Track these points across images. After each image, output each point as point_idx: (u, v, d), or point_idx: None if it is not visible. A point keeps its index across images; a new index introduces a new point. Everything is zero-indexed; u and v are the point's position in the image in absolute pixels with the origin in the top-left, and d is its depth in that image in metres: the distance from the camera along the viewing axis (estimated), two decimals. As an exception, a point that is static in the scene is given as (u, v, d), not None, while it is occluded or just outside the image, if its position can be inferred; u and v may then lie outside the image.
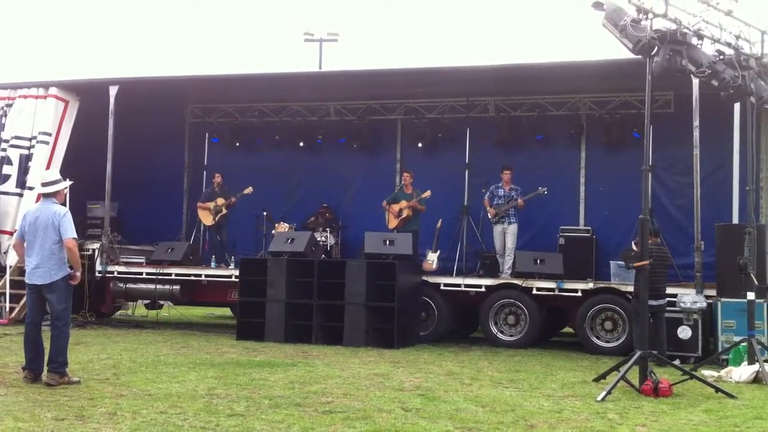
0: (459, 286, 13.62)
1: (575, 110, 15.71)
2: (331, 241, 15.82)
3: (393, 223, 14.92)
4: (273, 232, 15.35)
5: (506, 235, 14.34)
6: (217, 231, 16.31)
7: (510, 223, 14.36)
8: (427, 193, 14.71)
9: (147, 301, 16.91)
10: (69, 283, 8.50)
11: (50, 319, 8.49)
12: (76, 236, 8.56)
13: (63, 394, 7.72)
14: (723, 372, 10.01)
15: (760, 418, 7.45)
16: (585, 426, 6.89)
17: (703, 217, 12.42)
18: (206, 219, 16.28)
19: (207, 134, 18.14)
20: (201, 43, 60.42)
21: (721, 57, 9.52)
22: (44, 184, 8.70)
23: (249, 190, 15.93)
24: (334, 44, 31.81)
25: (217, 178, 16.44)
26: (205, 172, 18.10)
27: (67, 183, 8.87)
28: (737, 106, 12.39)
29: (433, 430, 6.59)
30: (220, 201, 16.14)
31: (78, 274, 8.56)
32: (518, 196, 14.36)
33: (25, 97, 16.14)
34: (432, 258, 14.50)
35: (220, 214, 16.11)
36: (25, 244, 8.56)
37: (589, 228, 15.17)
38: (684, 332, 11.75)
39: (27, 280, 8.57)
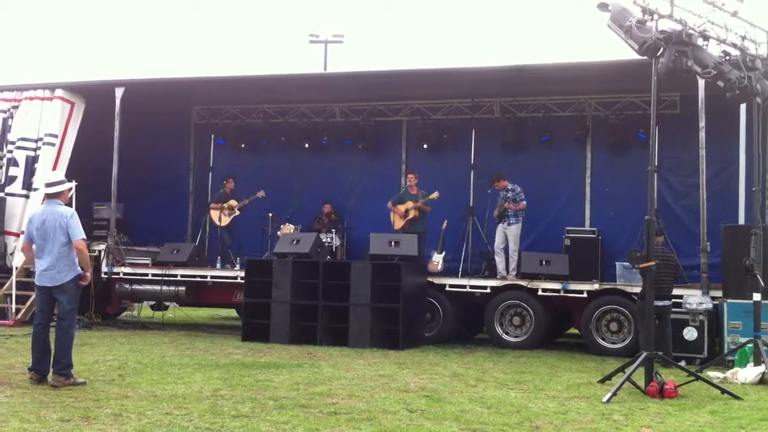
0: (464, 287, 13.61)
1: (581, 111, 15.71)
2: (336, 242, 15.84)
3: (399, 224, 14.92)
4: (278, 233, 15.38)
5: (507, 236, 14.32)
6: (228, 233, 16.33)
7: (509, 224, 14.32)
8: (435, 195, 14.69)
9: (152, 303, 16.95)
10: (79, 284, 8.52)
11: (56, 320, 8.52)
12: (85, 237, 8.58)
13: (68, 395, 7.72)
14: (729, 373, 9.97)
15: (766, 419, 7.42)
16: (590, 427, 6.87)
17: (709, 218, 12.39)
18: (222, 220, 16.27)
19: (212, 135, 18.16)
20: (206, 44, 60.57)
21: (727, 58, 9.50)
22: (48, 185, 8.72)
23: (261, 193, 15.99)
24: (339, 45, 31.90)
25: (230, 184, 16.46)
26: (210, 174, 18.16)
27: (71, 184, 8.87)
28: (743, 107, 12.39)
29: (438, 431, 6.58)
30: (233, 203, 16.18)
31: (88, 274, 8.59)
32: (514, 196, 14.33)
33: (32, 98, 16.21)
34: (437, 259, 14.50)
35: (233, 216, 16.16)
36: (33, 247, 8.57)
37: (595, 229, 15.16)
38: (690, 333, 11.72)
39: (37, 282, 8.58)
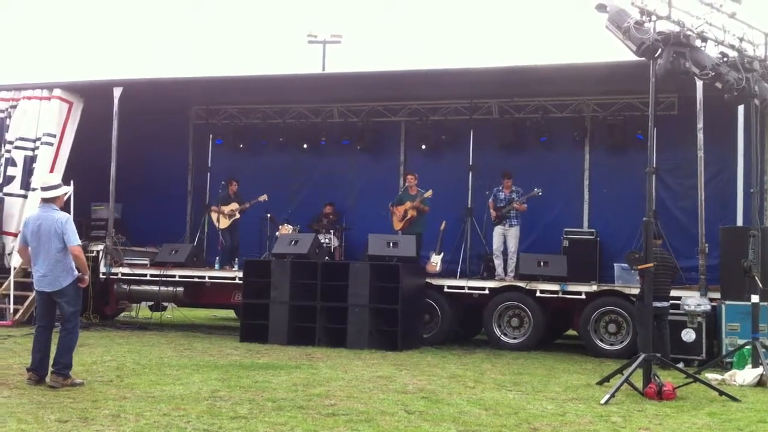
0: (462, 288, 13.62)
1: (579, 112, 15.70)
2: (334, 243, 15.82)
3: (398, 224, 14.92)
4: (277, 234, 15.37)
5: (507, 238, 14.33)
6: (230, 234, 16.31)
7: (511, 225, 14.35)
8: (429, 193, 14.70)
9: (150, 303, 16.93)
10: (78, 286, 8.51)
11: (60, 322, 8.52)
12: (80, 243, 8.56)
13: (66, 396, 7.72)
14: (727, 375, 9.98)
15: (763, 421, 7.43)
16: (588, 429, 6.88)
17: (708, 220, 12.40)
18: (220, 222, 16.27)
19: (211, 136, 18.13)
20: (205, 44, 60.55)
21: (725, 59, 9.49)
22: (44, 189, 8.68)
23: (264, 197, 15.94)
24: (337, 46, 31.90)
25: (234, 186, 16.42)
26: (209, 174, 18.11)
27: (67, 189, 8.84)
28: (741, 109, 12.39)
29: (436, 432, 6.58)
30: (234, 206, 16.16)
31: (86, 277, 8.57)
32: (518, 198, 14.36)
33: (30, 98, 16.17)
34: (435, 260, 14.50)
35: (233, 219, 16.15)
36: (29, 250, 8.56)
37: (593, 230, 15.15)
38: (688, 335, 11.73)
39: (36, 286, 8.60)
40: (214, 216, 16.40)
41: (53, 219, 8.41)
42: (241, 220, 16.40)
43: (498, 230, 14.46)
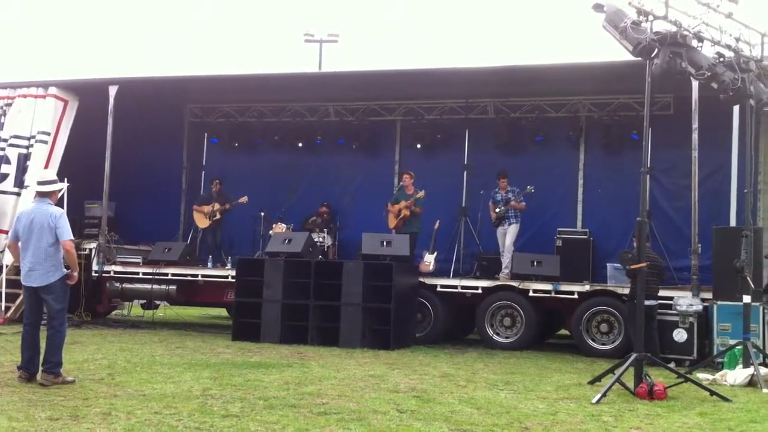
0: (456, 287, 13.61)
1: (574, 112, 15.71)
2: (328, 241, 15.81)
3: (392, 222, 14.91)
4: (270, 232, 15.35)
5: (506, 235, 14.35)
6: (212, 233, 16.31)
7: (510, 224, 14.38)
8: (421, 194, 14.68)
9: (143, 301, 16.90)
10: (66, 283, 8.47)
11: (47, 319, 8.48)
12: (72, 238, 8.53)
13: (57, 393, 7.70)
14: (718, 375, 9.99)
15: (754, 421, 7.44)
16: (580, 428, 6.87)
17: (701, 220, 12.42)
18: (200, 222, 16.30)
19: (206, 134, 18.13)
20: (201, 43, 60.48)
21: (721, 59, 9.51)
22: (40, 183, 8.67)
23: (244, 199, 15.92)
24: (334, 45, 31.89)
25: (216, 186, 16.42)
26: (203, 173, 18.10)
27: (63, 185, 8.83)
28: (736, 109, 12.39)
29: (428, 431, 6.57)
30: (216, 206, 16.15)
31: (75, 274, 8.53)
32: (514, 197, 14.36)
33: (25, 96, 16.15)
34: (429, 259, 14.49)
35: (213, 219, 16.13)
36: (19, 245, 8.53)
37: (587, 230, 15.17)
38: (679, 335, 11.74)
39: (23, 281, 8.54)
40: (196, 215, 16.40)
41: (47, 213, 8.40)
42: (234, 219, 16.39)
43: (500, 231, 14.51)
